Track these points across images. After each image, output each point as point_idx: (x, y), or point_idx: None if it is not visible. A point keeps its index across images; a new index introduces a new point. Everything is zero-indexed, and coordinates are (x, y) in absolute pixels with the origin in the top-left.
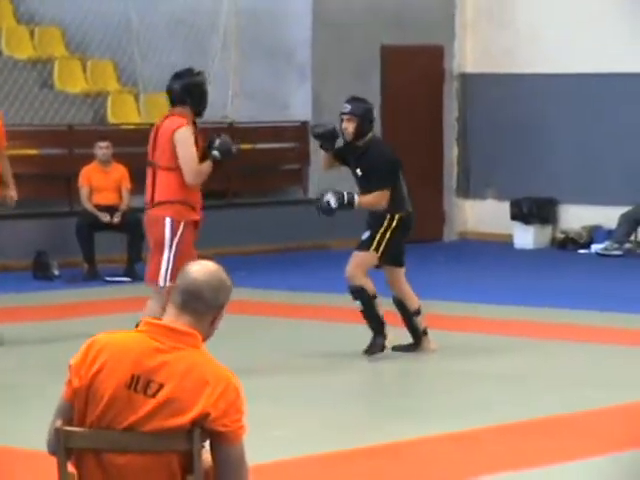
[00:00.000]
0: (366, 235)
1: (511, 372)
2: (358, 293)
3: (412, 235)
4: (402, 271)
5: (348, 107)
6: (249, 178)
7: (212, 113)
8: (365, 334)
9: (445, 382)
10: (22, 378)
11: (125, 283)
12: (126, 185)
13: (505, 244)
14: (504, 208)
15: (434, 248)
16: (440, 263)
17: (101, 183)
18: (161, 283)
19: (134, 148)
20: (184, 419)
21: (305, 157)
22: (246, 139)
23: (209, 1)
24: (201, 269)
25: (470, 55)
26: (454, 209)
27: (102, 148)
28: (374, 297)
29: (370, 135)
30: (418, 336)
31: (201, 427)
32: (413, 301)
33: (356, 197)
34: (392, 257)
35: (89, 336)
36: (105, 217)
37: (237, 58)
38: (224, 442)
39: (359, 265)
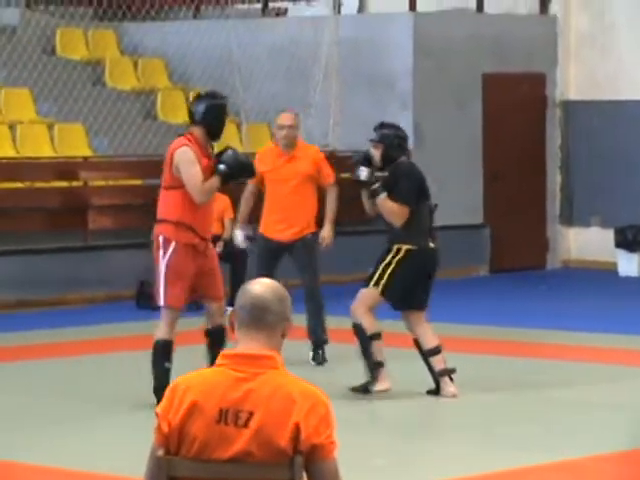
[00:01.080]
0: (371, 270)
1: (616, 400)
2: (355, 330)
3: (439, 274)
4: (418, 315)
5: (375, 134)
6: (349, 206)
7: (313, 142)
8: (470, 362)
9: (547, 410)
10: (123, 405)
11: (228, 312)
12: (228, 215)
13: (609, 272)
14: (608, 236)
15: (537, 276)
16: (543, 291)
17: None
18: (159, 302)
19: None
20: (281, 442)
21: None
22: (347, 167)
23: (310, 31)
24: (259, 285)
25: (572, 82)
26: (557, 237)
27: None
28: (373, 337)
29: (400, 159)
30: (435, 378)
31: (294, 446)
32: (429, 340)
33: (383, 193)
34: (402, 297)
35: (195, 363)
36: None
37: (338, 87)
38: (317, 458)
39: (360, 301)
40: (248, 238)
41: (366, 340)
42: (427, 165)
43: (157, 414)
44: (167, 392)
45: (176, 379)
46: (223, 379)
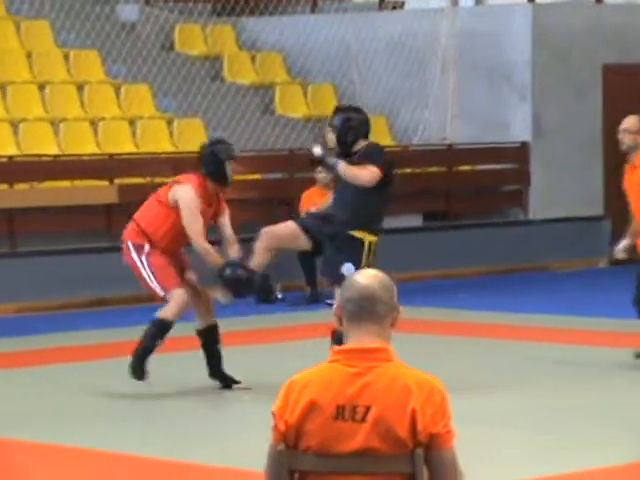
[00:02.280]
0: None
1: None
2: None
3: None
4: None
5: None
6: (469, 199)
7: (431, 135)
8: (581, 354)
9: None
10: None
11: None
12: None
13: None
14: None
15: None
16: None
17: (322, 207)
18: (161, 297)
19: None
20: (400, 432)
21: (525, 178)
22: (465, 160)
23: (428, 24)
24: (364, 276)
25: None
26: None
27: (322, 172)
28: None
29: (367, 142)
30: None
31: (413, 436)
32: None
33: (341, 162)
34: None
35: (314, 358)
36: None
37: (456, 80)
38: (435, 447)
39: None
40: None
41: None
42: (546, 156)
43: (273, 414)
44: (282, 391)
45: (291, 377)
46: (338, 375)
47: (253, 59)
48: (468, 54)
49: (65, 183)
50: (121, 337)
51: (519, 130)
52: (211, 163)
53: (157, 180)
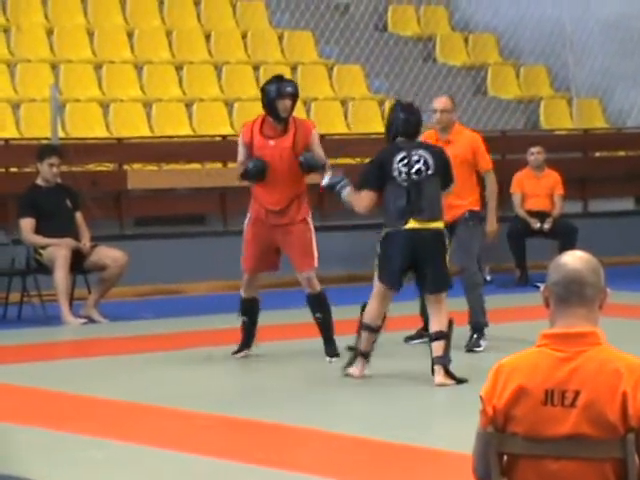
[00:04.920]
0: None
1: None
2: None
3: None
4: (428, 297)
5: None
6: None
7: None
8: None
9: None
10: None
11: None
12: (559, 191)
13: None
14: None
15: None
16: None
17: (533, 189)
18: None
19: (567, 154)
20: (610, 416)
21: None
22: None
23: None
24: (573, 258)
25: None
26: None
27: (534, 154)
28: (365, 326)
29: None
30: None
31: (625, 420)
32: (434, 324)
33: (344, 191)
34: (394, 279)
35: (523, 342)
36: (536, 223)
37: None
38: None
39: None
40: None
41: (359, 330)
42: None
43: (481, 397)
44: (490, 375)
45: (500, 361)
46: (545, 360)
47: (466, 40)
48: None
49: None
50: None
51: None
52: (265, 101)
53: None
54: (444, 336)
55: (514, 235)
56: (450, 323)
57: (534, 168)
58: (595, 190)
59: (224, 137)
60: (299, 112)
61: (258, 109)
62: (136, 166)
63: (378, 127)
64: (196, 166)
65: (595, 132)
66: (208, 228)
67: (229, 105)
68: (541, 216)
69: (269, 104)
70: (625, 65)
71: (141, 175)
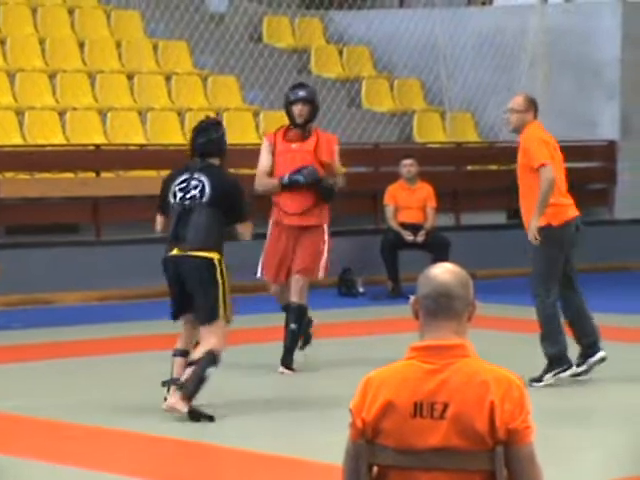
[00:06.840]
0: None
1: None
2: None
3: None
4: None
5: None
6: None
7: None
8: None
9: None
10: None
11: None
12: (431, 204)
13: None
14: None
15: None
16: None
17: (406, 201)
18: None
19: (440, 167)
20: (479, 427)
21: (612, 177)
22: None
23: (516, 20)
24: (441, 271)
25: None
26: None
27: (407, 166)
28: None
29: None
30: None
31: (492, 432)
32: (197, 350)
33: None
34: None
35: (396, 353)
36: (409, 236)
37: (544, 77)
38: (513, 443)
39: None
40: None
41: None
42: (634, 156)
43: (351, 410)
44: (359, 388)
45: (368, 374)
46: (414, 372)
47: (340, 52)
48: (557, 51)
49: (151, 173)
50: None
51: (607, 128)
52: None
53: (241, 171)
54: (198, 365)
55: (387, 247)
56: (213, 355)
57: (407, 180)
58: (467, 203)
59: (97, 146)
60: (171, 121)
61: (132, 118)
62: (8, 175)
63: (252, 138)
64: (69, 175)
65: (467, 146)
66: (80, 237)
67: (102, 114)
68: (414, 228)
69: (286, 111)
70: (497, 79)
71: (13, 184)
